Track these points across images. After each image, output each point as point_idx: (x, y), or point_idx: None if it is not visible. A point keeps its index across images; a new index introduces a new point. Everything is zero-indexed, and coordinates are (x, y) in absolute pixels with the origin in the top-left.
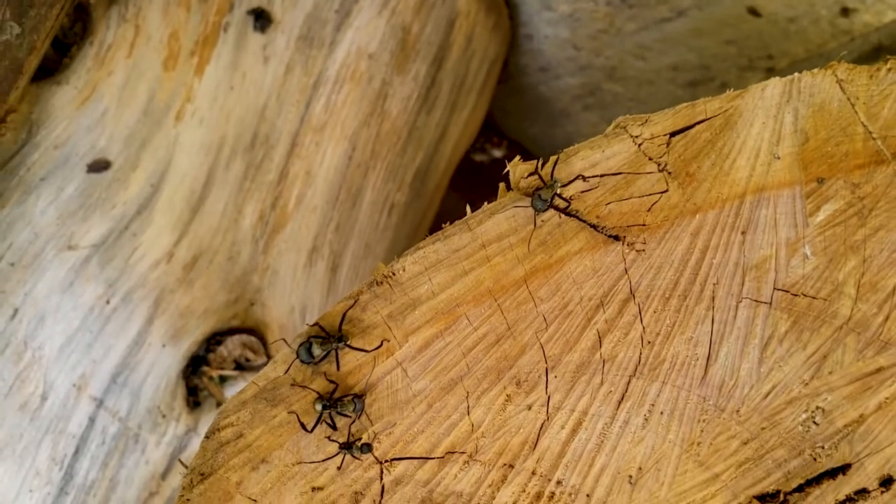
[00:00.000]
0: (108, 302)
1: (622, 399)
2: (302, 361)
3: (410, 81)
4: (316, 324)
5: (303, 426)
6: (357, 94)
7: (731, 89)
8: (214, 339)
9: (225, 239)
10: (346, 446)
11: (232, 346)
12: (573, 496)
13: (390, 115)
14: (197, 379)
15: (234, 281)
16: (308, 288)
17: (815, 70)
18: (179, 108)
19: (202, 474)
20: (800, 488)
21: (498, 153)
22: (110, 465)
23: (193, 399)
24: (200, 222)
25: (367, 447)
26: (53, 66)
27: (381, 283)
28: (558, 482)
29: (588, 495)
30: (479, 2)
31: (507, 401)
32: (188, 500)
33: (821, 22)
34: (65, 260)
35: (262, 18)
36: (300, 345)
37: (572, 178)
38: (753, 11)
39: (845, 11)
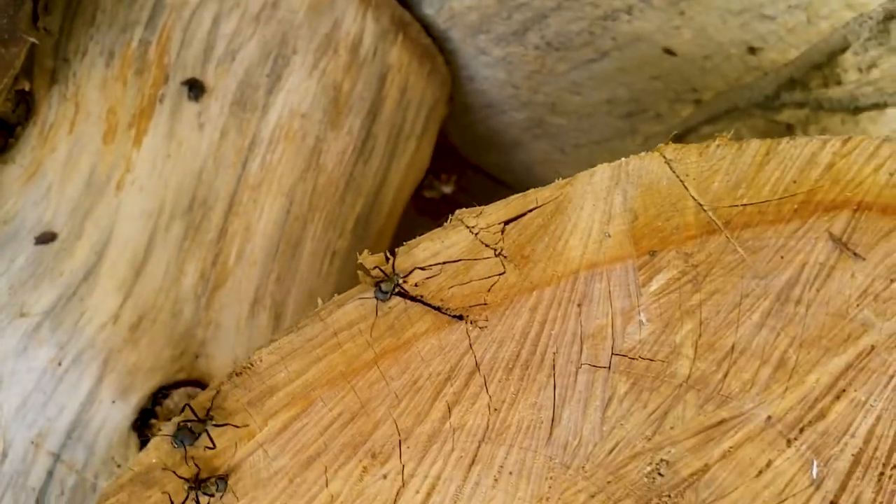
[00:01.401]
0: (59, 364)
1: (472, 462)
2: (181, 444)
3: (345, 136)
4: (186, 405)
5: (171, 501)
6: (292, 152)
7: (662, 118)
8: (161, 393)
9: (168, 298)
10: None
11: (178, 398)
12: None
13: (326, 168)
14: (147, 430)
15: (178, 337)
16: (252, 338)
17: (643, 153)
18: (120, 179)
19: None
20: None
21: (447, 189)
22: None
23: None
24: (143, 284)
25: None
26: (0, 148)
27: (241, 373)
28: None
29: None
30: (412, 53)
31: (363, 472)
32: None
33: (732, 59)
34: (18, 327)
35: (195, 88)
36: (178, 430)
37: (411, 269)
38: (669, 51)
39: (752, 50)
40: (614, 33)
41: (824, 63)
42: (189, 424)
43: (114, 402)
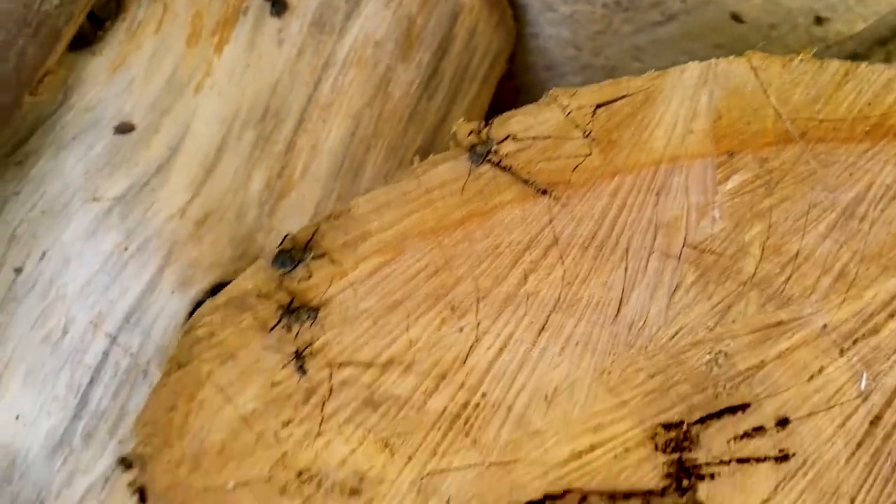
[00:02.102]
0: (125, 249)
1: (542, 329)
2: (279, 267)
3: (413, 68)
4: (287, 235)
5: (264, 326)
6: (363, 77)
7: None
8: (218, 289)
9: (234, 200)
10: (297, 354)
11: None
12: (495, 408)
13: (393, 97)
14: None
15: (240, 238)
16: None
17: (731, 57)
18: (199, 81)
19: (179, 364)
20: (701, 420)
21: None
22: (121, 395)
23: None
24: (212, 184)
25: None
26: (89, 38)
27: (339, 216)
28: (483, 394)
29: (508, 408)
30: (483, 0)
31: (442, 322)
32: (165, 384)
33: (798, 29)
34: (89, 210)
35: (278, 4)
36: (277, 255)
37: (505, 137)
38: (737, 17)
39: (819, 20)
40: None
41: (889, 38)
42: (290, 251)
43: (173, 292)
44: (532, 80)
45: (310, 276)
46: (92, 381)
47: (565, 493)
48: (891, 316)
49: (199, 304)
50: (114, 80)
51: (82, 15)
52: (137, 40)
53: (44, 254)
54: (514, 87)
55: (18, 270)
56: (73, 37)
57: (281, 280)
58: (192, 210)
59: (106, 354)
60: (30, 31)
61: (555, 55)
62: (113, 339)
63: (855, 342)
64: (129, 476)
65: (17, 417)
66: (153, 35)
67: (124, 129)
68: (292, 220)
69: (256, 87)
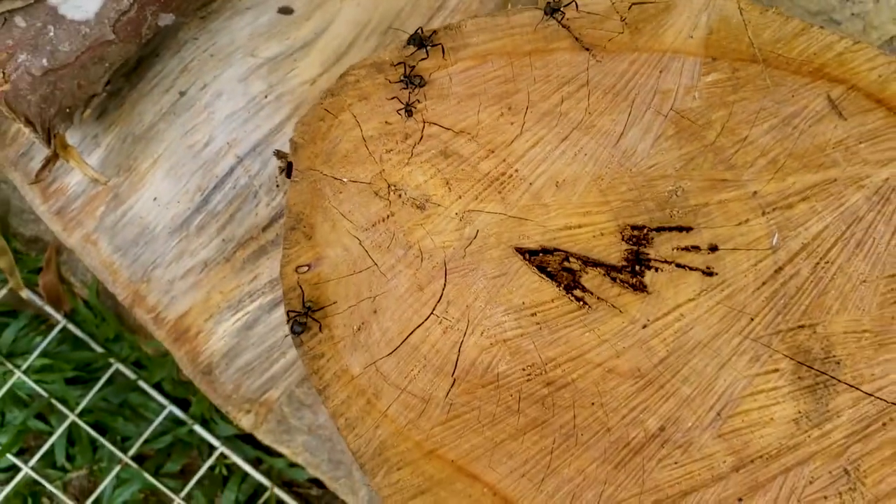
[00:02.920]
0: (266, 97)
1: (565, 139)
2: (410, 45)
3: None
4: (419, 28)
5: (390, 82)
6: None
7: None
8: None
9: None
10: (406, 106)
11: None
12: (521, 181)
13: None
14: None
15: None
16: None
17: None
18: None
19: (332, 93)
20: (658, 230)
21: None
22: (234, 205)
23: None
24: (338, 68)
25: (410, 113)
26: None
27: (452, 29)
28: (516, 170)
29: (530, 183)
30: None
31: (500, 115)
32: (321, 103)
33: None
34: (246, 62)
35: None
36: (411, 37)
37: (570, 1)
38: None
39: None
40: None
41: None
42: (420, 35)
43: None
44: None
45: (426, 58)
46: (216, 188)
47: (555, 250)
48: (803, 200)
49: None
50: None
51: None
52: None
53: (205, 85)
54: None
55: (183, 93)
56: None
57: (406, 57)
58: (320, 82)
59: (232, 170)
60: None
61: None
62: (240, 160)
63: (774, 210)
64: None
65: (154, 199)
66: None
67: (286, 11)
68: None
69: (386, 8)
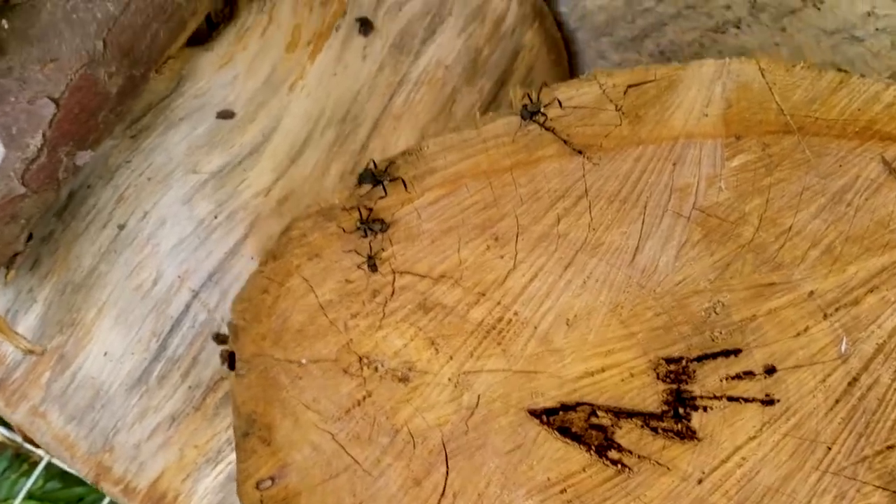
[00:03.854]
0: (215, 217)
1: (568, 265)
2: (362, 184)
3: (476, 93)
4: (371, 161)
5: (345, 232)
6: (431, 96)
7: None
8: None
9: (312, 188)
10: (369, 258)
11: None
12: (524, 325)
13: (456, 116)
14: None
15: None
16: None
17: (742, 58)
18: (293, 82)
19: (274, 256)
20: (698, 359)
21: None
22: (195, 345)
23: None
24: (295, 170)
25: (374, 267)
26: (203, 37)
27: (412, 153)
28: (515, 313)
29: (535, 326)
30: (543, 41)
31: (486, 249)
32: (262, 272)
33: None
34: (188, 181)
35: (366, 25)
36: (362, 174)
37: (552, 100)
38: None
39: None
40: (721, 46)
41: None
42: (373, 172)
43: (252, 258)
44: None
45: (384, 196)
46: (172, 330)
47: (577, 405)
48: (870, 291)
49: None
50: (221, 74)
51: (203, 13)
52: (244, 42)
53: (145, 214)
54: None
55: (122, 227)
56: (193, 31)
57: (361, 199)
58: (276, 190)
59: (188, 307)
60: (164, 16)
61: None
62: (195, 294)
63: (837, 310)
64: (220, 349)
65: (105, 354)
66: (258, 39)
67: (226, 115)
68: None
69: (340, 93)
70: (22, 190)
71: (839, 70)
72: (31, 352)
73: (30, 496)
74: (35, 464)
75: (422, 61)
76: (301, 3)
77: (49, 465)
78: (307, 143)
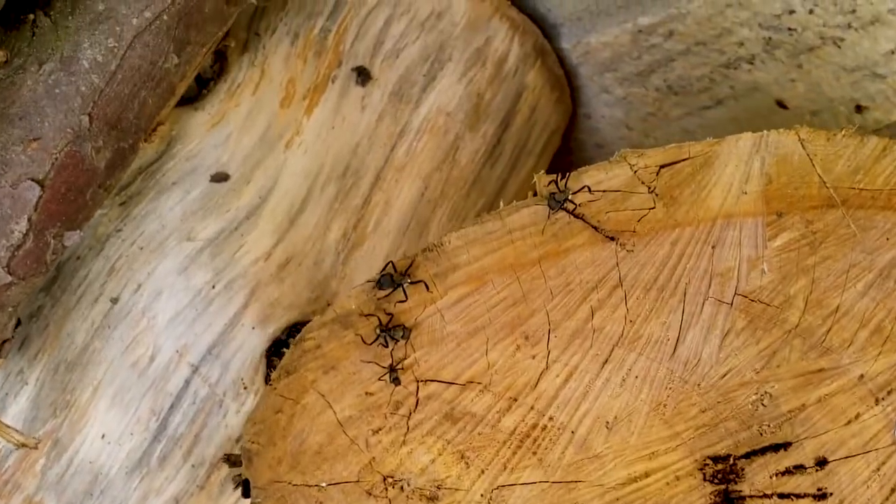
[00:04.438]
0: (213, 287)
1: (606, 362)
2: (381, 288)
3: (479, 138)
4: (389, 262)
5: (363, 341)
6: (434, 144)
7: None
8: (295, 328)
9: (314, 248)
10: (391, 369)
11: None
12: (560, 431)
13: (460, 163)
14: (277, 359)
15: (316, 283)
16: None
17: (781, 129)
18: (289, 139)
19: (287, 371)
20: (746, 455)
21: None
22: (197, 422)
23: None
24: (296, 231)
25: (397, 380)
26: (193, 96)
27: (432, 250)
28: (550, 418)
29: (572, 432)
30: (545, 80)
31: (517, 349)
32: (275, 388)
33: (839, 117)
34: (183, 249)
35: (363, 75)
36: (381, 278)
37: (580, 188)
38: (781, 104)
39: (859, 108)
40: (733, 81)
41: None
42: (391, 275)
43: (253, 328)
44: (584, 158)
45: (405, 300)
46: (172, 407)
47: None
48: None
49: (276, 340)
50: (213, 134)
51: (193, 73)
52: (236, 99)
53: (139, 286)
54: (568, 161)
55: (115, 300)
56: (182, 93)
57: (379, 302)
58: (276, 254)
59: (187, 383)
60: (152, 84)
61: (607, 134)
62: (195, 369)
63: (890, 392)
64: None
65: (102, 436)
66: (250, 96)
67: (220, 178)
68: (363, 270)
69: (340, 147)
70: (8, 279)
71: (877, 134)
72: (24, 445)
73: None
74: None
75: (423, 109)
76: (294, 55)
77: None
78: (307, 201)
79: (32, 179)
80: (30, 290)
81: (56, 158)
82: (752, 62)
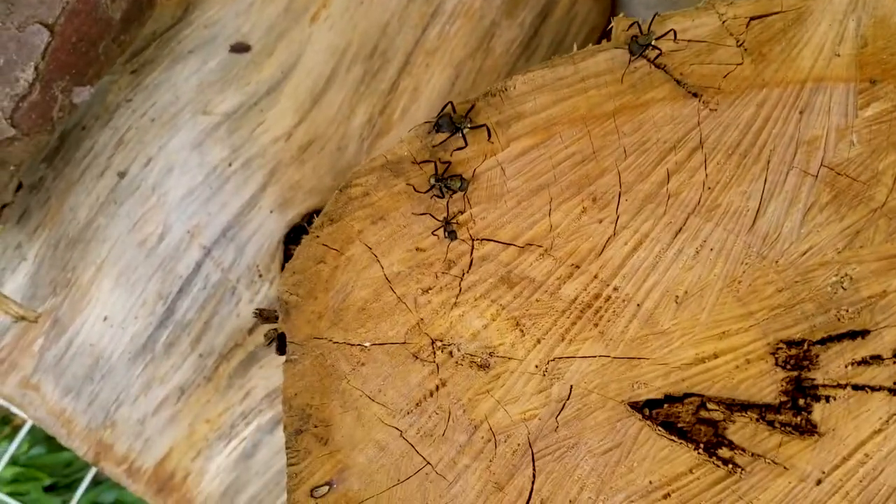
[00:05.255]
0: (230, 165)
1: (679, 231)
2: (439, 131)
3: (516, 27)
4: (449, 103)
5: (416, 191)
6: (468, 29)
7: None
8: (314, 214)
9: (337, 131)
10: (445, 222)
11: None
12: (625, 303)
13: (494, 52)
14: (295, 246)
15: (339, 168)
16: None
17: None
18: (315, 12)
19: (331, 219)
20: (822, 342)
21: None
22: (207, 309)
23: None
24: (318, 112)
25: (452, 234)
26: None
27: (495, 94)
28: (615, 288)
29: (638, 305)
30: None
31: (583, 212)
32: (317, 236)
33: None
34: (198, 122)
35: None
36: (439, 117)
37: (667, 31)
38: None
39: None
40: None
41: None
42: (451, 116)
43: (271, 211)
44: None
45: (463, 147)
46: (181, 291)
47: (685, 396)
48: None
49: (295, 226)
50: (235, 1)
51: None
52: None
53: (149, 160)
54: None
55: (122, 174)
56: None
57: (435, 150)
58: (298, 135)
59: (198, 266)
60: None
61: None
62: (207, 252)
63: None
64: (262, 329)
65: (104, 318)
66: None
67: (240, 48)
68: None
69: (368, 25)
70: (11, 132)
71: None
72: (22, 318)
73: (13, 462)
74: (18, 427)
75: None
76: None
77: (34, 429)
78: (331, 80)
79: (41, 23)
80: (33, 150)
81: (67, 2)
82: None
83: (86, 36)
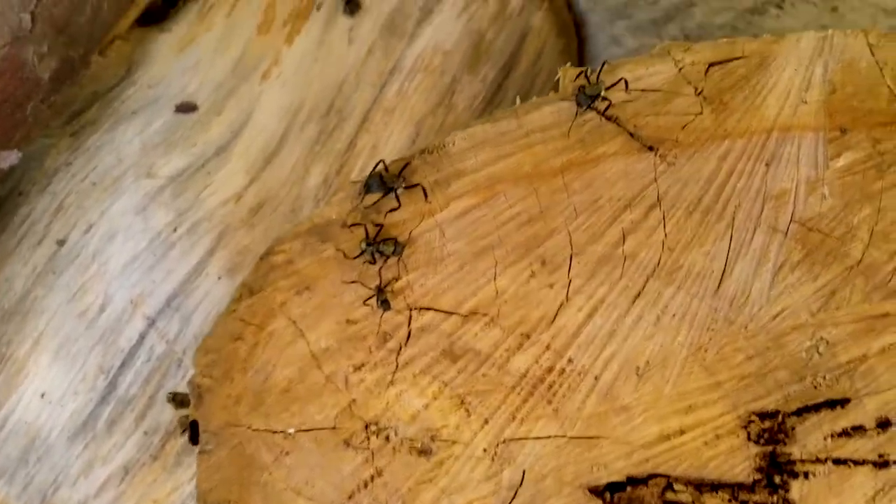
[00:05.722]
0: (175, 230)
1: (638, 295)
2: (369, 192)
3: (479, 82)
4: (380, 161)
5: (346, 257)
6: (428, 85)
7: None
8: None
9: (290, 193)
10: (378, 291)
11: None
12: (581, 376)
13: (456, 108)
14: None
15: None
16: None
17: (848, 31)
18: (266, 69)
19: (251, 290)
20: (798, 412)
21: None
22: (152, 383)
23: None
24: (271, 173)
25: (386, 303)
26: (159, 16)
27: (432, 152)
28: (569, 360)
29: (596, 378)
30: (552, 24)
31: (531, 276)
32: (234, 310)
33: None
34: (142, 186)
35: (352, 3)
36: (369, 177)
37: (617, 80)
38: None
39: None
40: (757, 29)
41: None
42: (382, 176)
43: (219, 277)
44: None
45: (397, 208)
46: (124, 365)
47: (650, 477)
48: None
49: None
50: (180, 59)
51: None
52: (208, 21)
53: (90, 227)
54: None
55: (61, 242)
56: (145, 7)
57: (366, 211)
58: (248, 197)
59: (142, 337)
60: None
61: None
62: (151, 323)
63: None
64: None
65: (42, 395)
66: (225, 18)
67: (186, 108)
68: None
69: (323, 83)
70: None
71: None
72: None
73: None
74: None
75: (417, 46)
76: None
77: None
78: (284, 140)
79: None
80: None
81: None
82: (781, 6)
83: (11, 96)
